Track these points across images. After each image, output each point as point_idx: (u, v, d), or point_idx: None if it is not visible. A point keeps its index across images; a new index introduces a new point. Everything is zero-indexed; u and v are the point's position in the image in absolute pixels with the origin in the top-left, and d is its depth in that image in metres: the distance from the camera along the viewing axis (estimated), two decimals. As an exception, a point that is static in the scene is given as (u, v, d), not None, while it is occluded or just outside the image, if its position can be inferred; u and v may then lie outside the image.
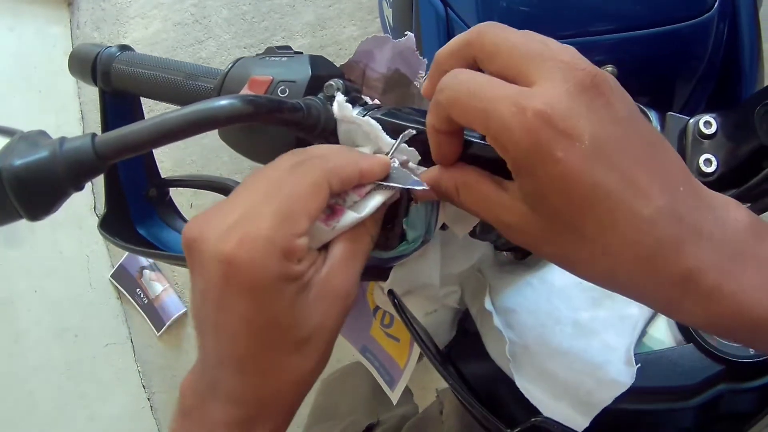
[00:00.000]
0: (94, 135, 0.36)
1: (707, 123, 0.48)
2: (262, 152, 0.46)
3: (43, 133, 0.39)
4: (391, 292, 0.47)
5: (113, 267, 2.20)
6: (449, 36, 0.69)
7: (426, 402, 0.98)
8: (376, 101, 0.49)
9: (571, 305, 0.49)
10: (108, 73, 0.61)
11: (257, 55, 0.49)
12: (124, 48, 0.62)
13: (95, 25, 2.30)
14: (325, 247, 0.37)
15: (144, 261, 2.15)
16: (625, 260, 0.30)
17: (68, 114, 2.15)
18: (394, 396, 0.59)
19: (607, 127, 0.29)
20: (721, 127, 0.48)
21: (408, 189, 0.37)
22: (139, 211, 0.66)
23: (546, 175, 0.29)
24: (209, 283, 0.32)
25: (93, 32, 2.28)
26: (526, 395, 0.46)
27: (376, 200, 0.38)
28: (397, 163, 0.39)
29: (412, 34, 0.49)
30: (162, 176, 0.67)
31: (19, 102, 2.11)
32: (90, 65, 0.62)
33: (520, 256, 0.56)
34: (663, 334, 0.50)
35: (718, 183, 0.47)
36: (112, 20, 2.27)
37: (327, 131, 0.42)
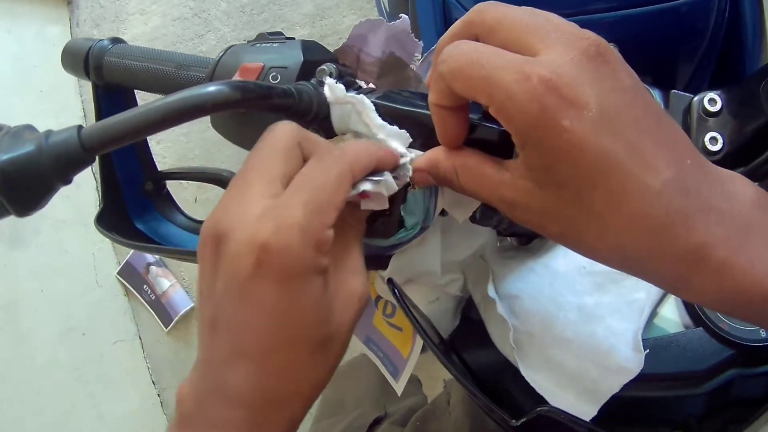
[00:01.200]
0: (80, 127, 0.35)
1: (712, 100, 0.47)
2: (255, 140, 0.45)
3: (29, 128, 0.38)
4: (390, 281, 0.46)
5: (119, 264, 2.20)
6: (446, 20, 0.68)
7: (435, 392, 0.98)
8: (371, 85, 0.48)
9: (574, 290, 0.48)
10: (100, 66, 0.60)
11: (248, 42, 0.48)
12: (115, 41, 0.61)
13: (95, 23, 2.29)
14: None
15: (150, 257, 2.15)
16: (634, 234, 0.29)
17: (70, 113, 2.15)
18: (398, 387, 0.58)
19: (614, 95, 0.28)
20: (726, 104, 0.47)
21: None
22: (136, 206, 0.65)
23: (553, 144, 0.28)
24: (237, 273, 0.31)
25: (92, 30, 2.27)
26: (532, 384, 0.46)
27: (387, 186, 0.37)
28: (408, 158, 0.38)
29: (407, 17, 0.48)
30: (158, 170, 0.66)
31: (20, 102, 2.11)
32: (82, 60, 0.61)
33: (523, 242, 0.55)
34: (672, 318, 0.49)
35: (724, 161, 0.46)
36: (112, 17, 2.27)
37: (320, 116, 0.40)
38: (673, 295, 0.49)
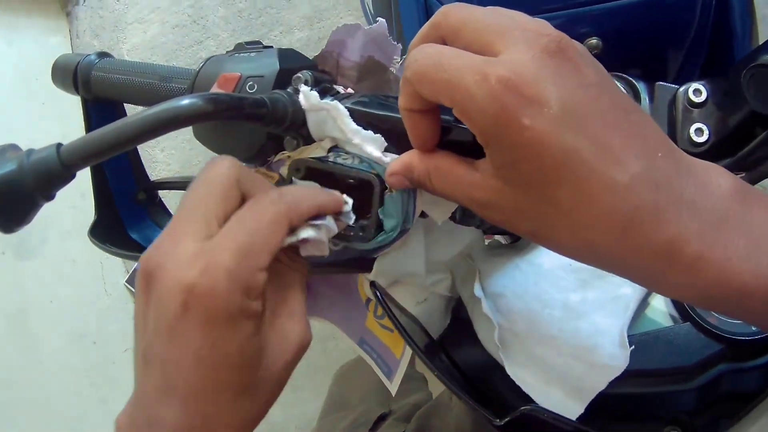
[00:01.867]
0: (59, 145, 0.36)
1: (696, 91, 0.47)
2: (235, 149, 0.45)
3: (13, 147, 0.39)
4: (373, 284, 0.47)
5: (127, 272, 2.21)
6: (428, 17, 0.68)
7: (440, 389, 0.98)
8: (350, 90, 0.48)
9: (559, 287, 0.48)
10: (88, 81, 0.60)
11: (227, 52, 0.49)
12: (102, 55, 0.61)
13: (94, 33, 2.31)
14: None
15: (157, 265, 2.15)
16: (604, 231, 0.29)
17: (72, 123, 2.15)
18: (393, 387, 0.59)
19: (576, 92, 0.28)
20: (711, 95, 0.46)
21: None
22: (130, 216, 0.66)
23: (514, 143, 0.28)
24: (165, 312, 0.31)
25: (92, 40, 2.29)
26: (518, 382, 0.46)
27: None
28: (350, 204, 0.39)
29: (384, 20, 0.48)
30: (151, 179, 0.67)
31: (23, 114, 2.12)
32: (71, 75, 0.62)
33: (511, 240, 0.55)
34: (664, 310, 0.49)
35: (710, 152, 0.46)
36: (111, 27, 2.28)
37: (296, 124, 0.41)
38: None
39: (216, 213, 0.33)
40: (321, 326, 0.59)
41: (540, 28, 0.30)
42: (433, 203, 0.42)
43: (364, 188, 0.41)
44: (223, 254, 0.30)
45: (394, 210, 0.40)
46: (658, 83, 0.50)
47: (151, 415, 0.32)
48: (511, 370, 0.46)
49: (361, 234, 0.41)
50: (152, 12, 2.19)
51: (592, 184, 0.28)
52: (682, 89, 0.47)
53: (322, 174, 0.42)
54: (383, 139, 0.40)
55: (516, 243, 0.55)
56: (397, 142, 0.40)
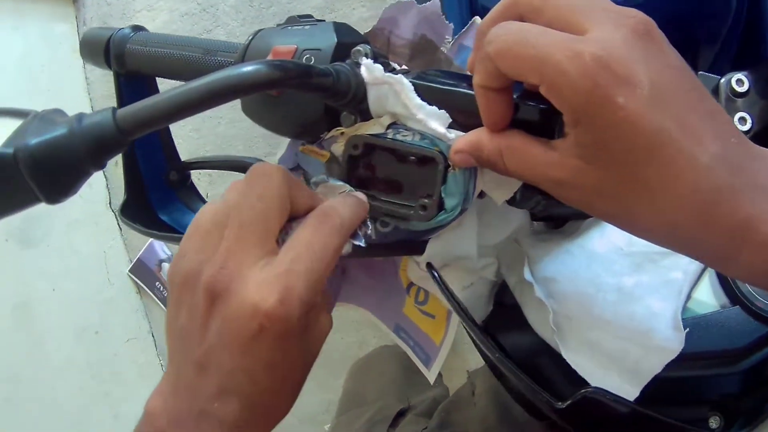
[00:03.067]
0: (114, 109, 0.34)
1: (739, 81, 0.47)
2: (288, 124, 0.44)
3: (59, 111, 0.37)
4: (429, 266, 0.46)
5: (131, 262, 2.20)
6: (471, 2, 0.67)
7: (455, 383, 0.97)
8: (404, 67, 0.47)
9: (612, 271, 0.48)
10: (122, 55, 0.59)
11: (278, 25, 0.47)
12: (137, 28, 0.60)
13: (102, 21, 2.28)
14: None
15: (162, 254, 2.14)
16: (685, 210, 0.29)
17: (79, 110, 2.13)
18: (431, 375, 0.58)
19: (664, 72, 0.29)
20: (754, 84, 0.47)
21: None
22: (159, 196, 0.64)
23: (607, 122, 0.28)
24: (238, 332, 0.32)
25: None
26: (574, 367, 0.45)
27: None
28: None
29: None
30: (181, 159, 0.65)
31: (28, 102, 2.09)
32: (102, 49, 0.60)
33: (556, 225, 0.54)
34: (708, 297, 0.49)
35: (754, 141, 0.47)
36: (119, 15, 2.26)
37: (357, 98, 0.40)
38: (706, 278, 0.49)
39: (274, 229, 0.35)
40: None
41: (622, 9, 0.30)
42: (495, 183, 0.41)
43: (425, 165, 0.40)
44: (298, 283, 0.33)
45: (456, 189, 0.39)
46: (700, 72, 0.50)
47: (204, 410, 0.34)
48: (566, 354, 0.45)
49: (422, 213, 0.40)
50: (161, 0, 2.18)
51: (679, 164, 0.28)
52: (724, 79, 0.48)
53: (380, 150, 0.41)
54: (447, 115, 0.39)
55: (561, 228, 0.54)
56: (462, 118, 0.39)
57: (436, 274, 0.45)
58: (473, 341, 0.52)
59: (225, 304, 0.33)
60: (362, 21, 1.87)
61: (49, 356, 2.07)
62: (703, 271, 0.48)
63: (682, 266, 0.47)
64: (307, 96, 0.41)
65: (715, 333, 0.47)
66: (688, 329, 0.44)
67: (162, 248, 2.15)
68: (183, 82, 0.55)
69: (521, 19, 0.33)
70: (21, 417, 2.00)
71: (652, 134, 0.28)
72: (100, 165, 0.35)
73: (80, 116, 0.34)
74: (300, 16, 0.47)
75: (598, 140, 0.29)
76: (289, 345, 0.33)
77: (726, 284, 0.48)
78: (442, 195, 0.39)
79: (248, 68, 0.33)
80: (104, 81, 2.08)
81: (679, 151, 0.28)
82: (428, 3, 0.47)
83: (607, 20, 0.29)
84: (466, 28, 0.50)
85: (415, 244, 0.46)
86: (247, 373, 0.33)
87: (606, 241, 0.49)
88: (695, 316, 0.47)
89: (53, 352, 2.07)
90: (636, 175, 0.29)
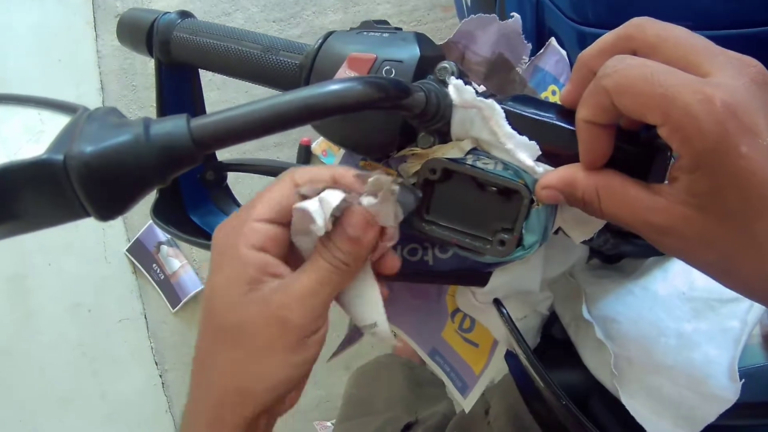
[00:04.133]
0: (188, 117, 0.31)
1: None
2: (359, 139, 0.41)
3: (114, 111, 0.33)
4: (497, 302, 0.43)
5: (129, 241, 2.16)
6: (538, 22, 0.64)
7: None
8: (483, 87, 0.45)
9: (674, 316, 0.47)
10: (167, 42, 0.54)
11: (352, 29, 0.44)
12: (184, 14, 0.56)
13: (117, -6, 2.23)
14: None
15: (161, 236, 2.10)
16: None
17: (88, 84, 2.10)
18: (467, 404, 0.56)
19: None
20: None
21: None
22: (192, 196, 0.61)
23: (728, 170, 0.27)
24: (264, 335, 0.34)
25: (115, 2, 2.21)
26: (631, 411, 0.45)
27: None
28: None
29: (518, 16, 0.44)
30: (218, 159, 0.62)
31: (39, 72, 2.06)
32: (145, 33, 0.55)
33: (614, 260, 0.52)
34: (757, 348, 0.48)
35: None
36: (135, -10, 2.21)
37: (445, 119, 0.37)
38: (757, 327, 0.48)
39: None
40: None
41: (744, 57, 0.29)
42: (576, 222, 0.39)
43: (506, 197, 0.37)
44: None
45: (537, 225, 0.37)
46: None
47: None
48: (625, 400, 0.44)
49: (500, 248, 0.37)
50: (179, -22, 2.13)
51: None
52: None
53: (459, 176, 0.38)
54: (538, 147, 0.36)
55: (617, 264, 0.52)
56: (553, 152, 0.36)
57: (505, 311, 0.43)
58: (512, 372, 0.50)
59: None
60: (386, 17, 1.84)
61: (40, 331, 2.04)
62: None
63: (739, 315, 0.46)
64: (386, 112, 0.38)
65: (765, 384, 0.46)
66: (743, 380, 0.43)
67: (162, 231, 2.12)
68: (232, 78, 0.53)
69: (634, 54, 0.31)
70: (9, 390, 1.96)
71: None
72: (166, 180, 0.31)
73: (147, 122, 0.30)
74: (376, 22, 0.44)
75: (714, 188, 0.28)
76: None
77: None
78: (523, 231, 0.37)
79: (349, 85, 0.30)
80: (115, 56, 2.04)
81: None
82: (510, 20, 0.44)
83: (729, 66, 0.28)
84: (543, 50, 0.48)
85: (478, 275, 0.43)
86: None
87: (669, 285, 0.48)
88: (749, 367, 0.46)
89: (45, 327, 2.04)
90: (746, 227, 0.28)
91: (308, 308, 0.34)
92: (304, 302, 0.34)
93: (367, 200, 0.34)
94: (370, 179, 0.33)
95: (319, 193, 0.33)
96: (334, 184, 0.34)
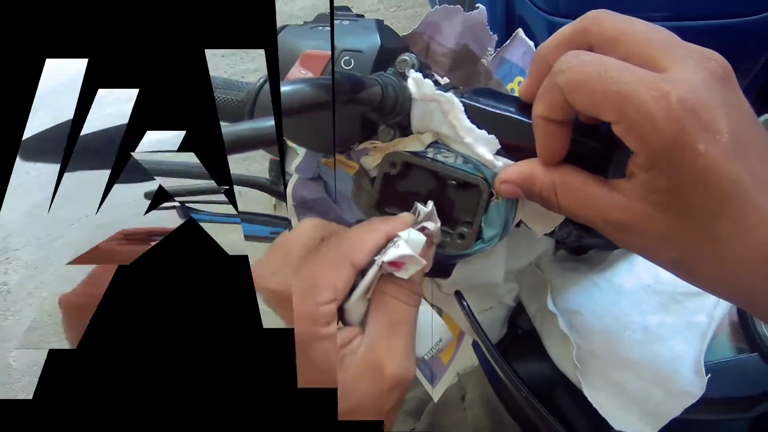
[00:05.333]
0: None
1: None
2: (321, 139, 0.41)
3: None
4: (458, 294, 0.43)
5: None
6: (509, 11, 0.64)
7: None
8: (446, 80, 0.44)
9: (640, 309, 0.47)
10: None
11: (306, 23, 0.43)
12: None
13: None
14: None
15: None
16: (752, 264, 0.28)
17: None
18: (436, 393, 0.56)
19: (741, 121, 0.28)
20: None
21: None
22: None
23: (686, 168, 0.27)
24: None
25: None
26: (595, 405, 0.44)
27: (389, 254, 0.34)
28: (431, 207, 0.37)
29: (484, 7, 0.44)
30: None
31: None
32: None
33: (581, 252, 0.52)
34: (725, 340, 0.49)
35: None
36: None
37: (402, 113, 0.37)
38: (726, 321, 0.49)
39: None
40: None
41: (704, 50, 0.29)
42: (536, 216, 0.38)
43: (465, 191, 0.37)
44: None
45: (497, 219, 0.37)
46: None
47: None
48: (589, 393, 0.44)
49: (459, 242, 0.37)
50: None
51: (750, 217, 0.27)
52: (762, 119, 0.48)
53: (418, 170, 0.38)
54: (497, 140, 0.36)
55: (584, 256, 0.52)
56: (512, 146, 0.36)
57: (465, 304, 0.43)
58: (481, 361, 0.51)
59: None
60: (368, 2, 1.82)
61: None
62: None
63: (707, 309, 0.46)
64: (345, 108, 0.38)
65: (733, 379, 0.47)
66: (709, 375, 0.43)
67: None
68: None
69: (590, 48, 0.31)
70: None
71: (727, 185, 0.27)
72: None
73: None
74: (337, 8, 0.43)
75: (672, 186, 0.28)
76: (306, 348, 0.33)
77: (747, 330, 0.48)
78: (482, 224, 0.37)
79: (288, 88, 0.29)
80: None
81: (752, 205, 0.27)
82: (475, 11, 0.43)
83: (688, 60, 0.28)
84: (509, 41, 0.47)
85: (442, 267, 0.43)
86: None
87: (634, 277, 0.48)
88: (716, 361, 0.47)
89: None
90: (705, 225, 0.28)
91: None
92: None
93: (431, 225, 0.36)
94: (421, 209, 0.36)
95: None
96: (389, 240, 0.35)
